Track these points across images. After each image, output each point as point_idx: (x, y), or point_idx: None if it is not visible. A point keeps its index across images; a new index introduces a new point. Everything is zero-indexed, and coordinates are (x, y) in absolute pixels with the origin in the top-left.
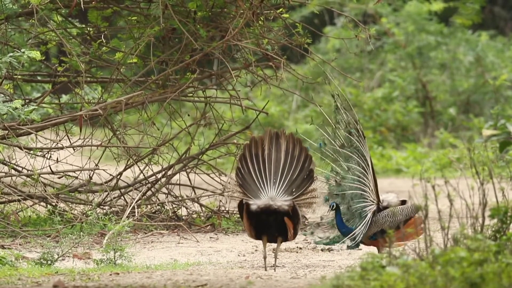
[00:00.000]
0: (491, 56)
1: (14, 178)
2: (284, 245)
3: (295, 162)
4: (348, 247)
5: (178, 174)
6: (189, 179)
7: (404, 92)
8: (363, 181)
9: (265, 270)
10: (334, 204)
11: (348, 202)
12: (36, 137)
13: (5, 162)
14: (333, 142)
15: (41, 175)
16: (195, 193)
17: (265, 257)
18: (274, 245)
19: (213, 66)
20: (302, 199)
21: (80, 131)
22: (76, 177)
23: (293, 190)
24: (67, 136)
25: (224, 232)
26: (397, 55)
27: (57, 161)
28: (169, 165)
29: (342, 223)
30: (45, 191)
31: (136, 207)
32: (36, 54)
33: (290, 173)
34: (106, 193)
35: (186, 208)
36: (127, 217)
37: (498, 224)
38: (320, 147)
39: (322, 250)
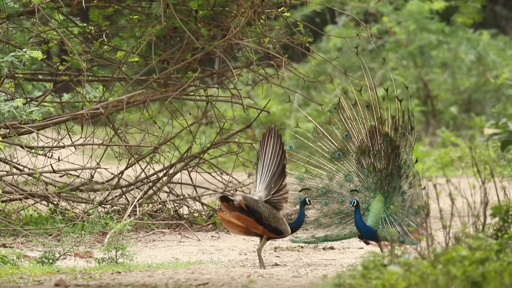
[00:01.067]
0: (493, 55)
1: (15, 177)
2: (285, 243)
3: (276, 157)
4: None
5: (179, 173)
6: (191, 178)
7: (405, 90)
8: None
9: (260, 268)
10: (355, 201)
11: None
12: (38, 136)
13: (6, 160)
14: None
15: (42, 174)
16: (196, 192)
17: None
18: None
19: (215, 65)
20: (279, 195)
21: (82, 130)
22: (78, 176)
23: (272, 185)
24: (69, 135)
25: (226, 230)
26: (398, 54)
27: (59, 160)
28: (170, 164)
29: (361, 220)
30: (47, 190)
31: (137, 206)
32: (37, 54)
33: (272, 169)
34: (108, 192)
35: (188, 207)
36: (128, 216)
37: (499, 223)
38: (290, 149)
39: (323, 248)
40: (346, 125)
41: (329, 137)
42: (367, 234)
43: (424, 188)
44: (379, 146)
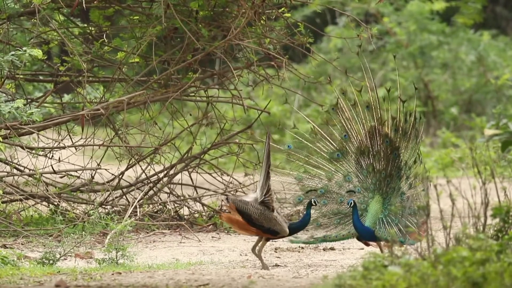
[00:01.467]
0: (493, 55)
1: (16, 177)
2: (286, 244)
3: (267, 158)
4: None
5: (180, 173)
6: (191, 179)
7: (406, 91)
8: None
9: (263, 269)
10: (352, 201)
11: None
12: (38, 137)
13: (7, 161)
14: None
15: (43, 175)
16: (197, 192)
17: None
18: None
19: (215, 66)
20: (269, 195)
21: (82, 130)
22: (78, 177)
23: (263, 186)
24: (69, 136)
25: (226, 231)
26: (399, 54)
27: (59, 160)
28: (171, 165)
29: (359, 221)
30: (47, 190)
31: (138, 206)
32: (37, 52)
33: (265, 170)
34: (108, 192)
35: (188, 208)
36: (129, 216)
37: (500, 224)
38: (289, 148)
39: (324, 249)
40: (345, 126)
41: (328, 138)
42: (365, 235)
43: (423, 190)
44: (379, 147)
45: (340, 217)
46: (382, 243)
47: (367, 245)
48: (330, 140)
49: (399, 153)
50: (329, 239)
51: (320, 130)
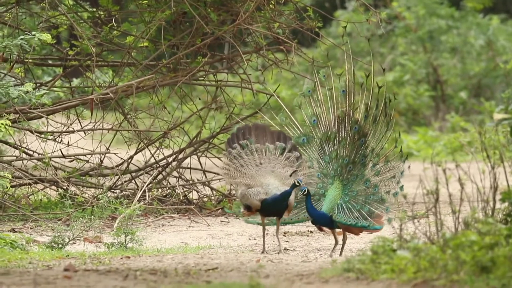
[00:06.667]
0: (502, 40)
1: (25, 161)
2: (295, 228)
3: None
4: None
5: (189, 157)
6: (200, 163)
7: (415, 75)
8: None
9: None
10: (306, 189)
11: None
12: (47, 121)
13: (16, 145)
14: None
15: (52, 159)
16: (206, 176)
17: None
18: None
19: (224, 50)
20: None
21: (91, 114)
22: (87, 161)
23: None
24: (78, 120)
25: (235, 215)
26: (408, 39)
27: (68, 144)
28: (180, 149)
29: (313, 207)
30: (56, 174)
31: (147, 190)
32: (46, 37)
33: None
34: (117, 176)
35: (197, 192)
36: (138, 200)
37: (509, 208)
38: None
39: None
40: (316, 110)
41: (296, 122)
42: (320, 220)
43: (394, 177)
44: (346, 133)
45: (297, 201)
46: (335, 230)
47: (321, 230)
48: (298, 124)
49: (366, 140)
50: (284, 221)
51: (289, 113)
